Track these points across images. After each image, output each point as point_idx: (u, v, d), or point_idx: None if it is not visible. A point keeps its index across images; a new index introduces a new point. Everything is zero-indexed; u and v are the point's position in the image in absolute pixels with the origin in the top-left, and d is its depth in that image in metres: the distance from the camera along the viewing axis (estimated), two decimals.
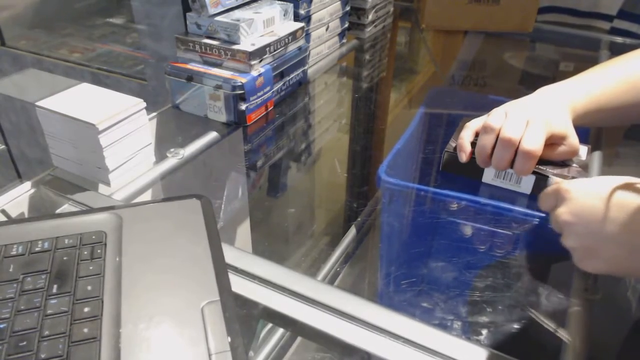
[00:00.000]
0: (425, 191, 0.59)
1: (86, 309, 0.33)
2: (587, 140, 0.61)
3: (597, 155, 0.60)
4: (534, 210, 0.54)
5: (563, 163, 0.55)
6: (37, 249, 0.38)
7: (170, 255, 0.39)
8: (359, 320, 0.36)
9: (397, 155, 0.62)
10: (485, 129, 0.53)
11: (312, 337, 0.37)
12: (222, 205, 0.60)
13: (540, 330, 0.45)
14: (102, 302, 0.34)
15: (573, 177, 0.54)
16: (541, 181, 0.54)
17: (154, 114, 0.65)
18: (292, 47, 0.71)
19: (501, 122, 0.52)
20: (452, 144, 0.59)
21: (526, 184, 0.55)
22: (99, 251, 0.38)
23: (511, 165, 0.52)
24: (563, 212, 0.41)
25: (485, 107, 0.57)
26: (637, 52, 0.58)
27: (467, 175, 0.58)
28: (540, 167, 0.54)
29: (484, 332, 0.46)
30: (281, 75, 0.71)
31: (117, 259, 0.38)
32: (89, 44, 1.49)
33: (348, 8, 0.88)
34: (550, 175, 0.54)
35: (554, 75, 0.98)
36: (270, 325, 0.44)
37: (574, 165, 0.55)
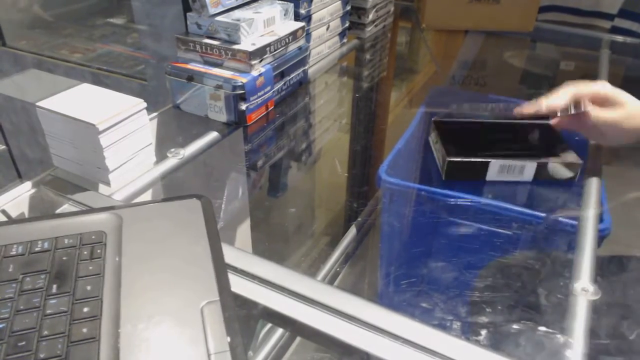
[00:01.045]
0: (425, 191, 0.59)
1: (85, 309, 0.33)
2: (586, 146, 0.61)
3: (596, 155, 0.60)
4: (533, 210, 0.54)
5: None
6: (36, 249, 0.38)
7: (170, 255, 0.39)
8: (359, 320, 0.36)
9: (397, 155, 0.62)
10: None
11: (312, 337, 0.37)
12: (222, 205, 0.60)
13: (540, 330, 0.45)
14: (102, 302, 0.34)
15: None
16: (541, 169, 0.59)
17: (155, 114, 0.65)
18: (293, 46, 0.71)
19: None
20: (447, 151, 0.59)
21: (528, 172, 0.60)
22: (98, 251, 0.38)
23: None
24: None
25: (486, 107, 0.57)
26: None
27: (470, 178, 0.59)
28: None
29: (484, 332, 0.46)
30: (281, 75, 0.71)
31: (117, 259, 0.38)
32: (89, 44, 1.49)
33: (348, 7, 0.88)
34: (549, 162, 0.59)
35: (554, 74, 0.98)
36: (269, 325, 0.45)
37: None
